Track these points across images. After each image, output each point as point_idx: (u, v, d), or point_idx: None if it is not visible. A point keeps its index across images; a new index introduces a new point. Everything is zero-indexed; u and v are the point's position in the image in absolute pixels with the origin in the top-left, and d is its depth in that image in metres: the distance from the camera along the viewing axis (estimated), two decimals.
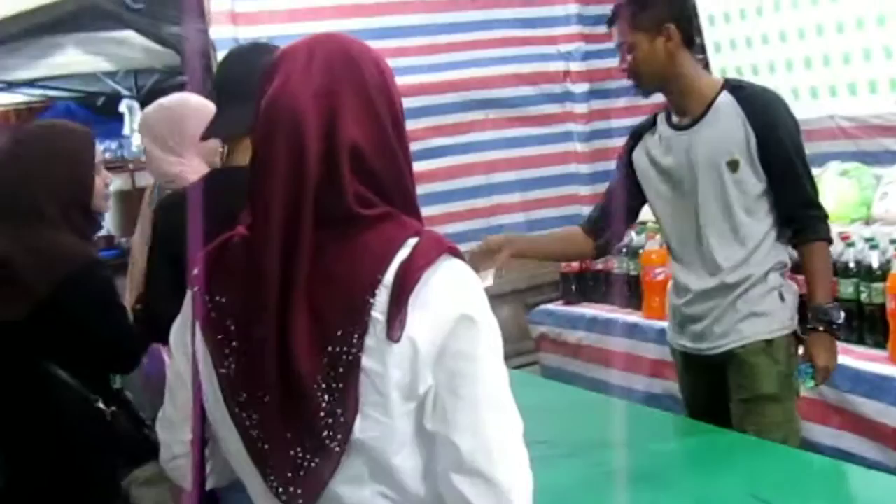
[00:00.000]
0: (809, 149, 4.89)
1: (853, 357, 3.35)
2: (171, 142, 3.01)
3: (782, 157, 2.66)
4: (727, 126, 2.66)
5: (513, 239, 2.91)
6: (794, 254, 2.81)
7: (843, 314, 2.71)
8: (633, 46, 2.70)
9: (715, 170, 2.68)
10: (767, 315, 2.71)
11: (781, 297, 2.74)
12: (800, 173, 2.69)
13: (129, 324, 2.57)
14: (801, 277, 3.51)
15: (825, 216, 2.73)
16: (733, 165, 2.65)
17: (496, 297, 5.72)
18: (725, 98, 2.68)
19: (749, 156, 2.65)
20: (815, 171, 4.47)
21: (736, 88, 2.70)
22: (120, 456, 2.54)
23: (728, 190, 2.68)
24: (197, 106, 2.98)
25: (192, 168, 2.89)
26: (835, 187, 4.33)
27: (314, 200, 1.28)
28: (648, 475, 2.46)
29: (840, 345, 3.38)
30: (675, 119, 2.79)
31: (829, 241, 2.75)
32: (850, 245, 3.50)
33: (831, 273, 2.79)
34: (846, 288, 3.47)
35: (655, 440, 2.77)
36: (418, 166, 5.15)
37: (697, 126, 2.71)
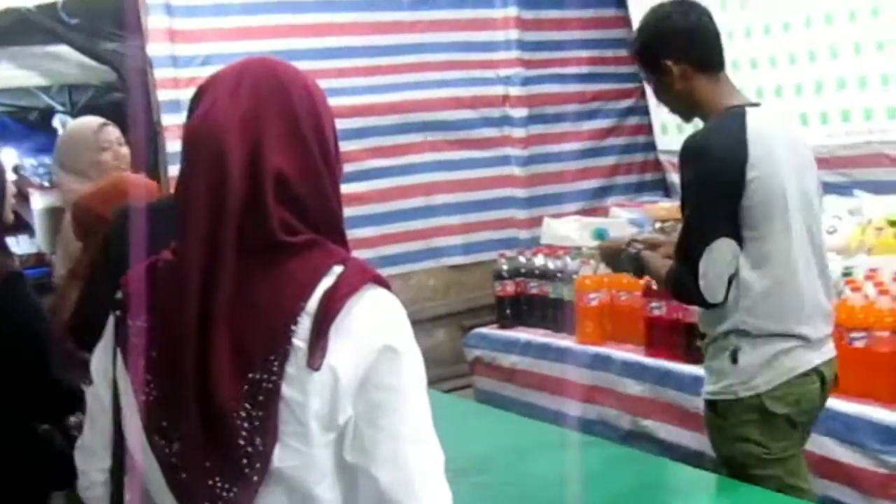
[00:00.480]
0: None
1: None
2: (67, 162, 3.14)
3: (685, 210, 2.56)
4: None
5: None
6: None
7: (627, 268, 2.84)
8: (647, 81, 2.77)
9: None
10: (714, 374, 2.59)
11: (734, 359, 2.52)
12: (684, 231, 2.53)
13: (50, 343, 2.51)
14: None
15: (683, 278, 2.48)
16: (682, 208, 2.63)
17: (432, 320, 5.74)
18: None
19: None
20: None
21: (711, 118, 2.59)
22: (49, 476, 2.48)
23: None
24: (93, 128, 3.13)
25: (88, 188, 2.93)
26: None
27: (237, 227, 1.27)
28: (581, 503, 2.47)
29: None
30: None
31: (673, 287, 2.59)
32: None
33: (659, 279, 2.71)
34: None
35: (595, 470, 2.78)
36: (356, 188, 5.16)
37: None
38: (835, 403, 3.12)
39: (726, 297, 2.48)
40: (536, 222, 5.64)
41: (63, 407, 2.49)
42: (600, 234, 2.95)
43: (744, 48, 5.06)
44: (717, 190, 2.44)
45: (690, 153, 2.50)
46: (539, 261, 4.71)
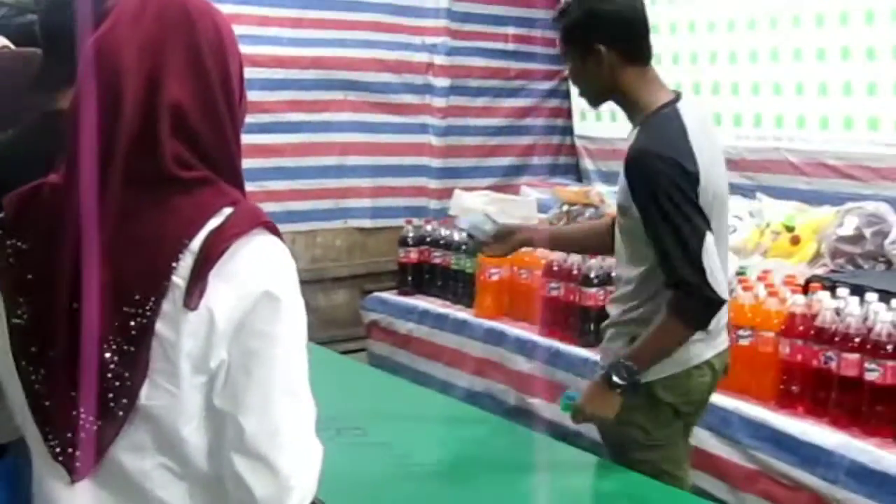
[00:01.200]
0: None
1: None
2: None
3: (644, 223, 2.40)
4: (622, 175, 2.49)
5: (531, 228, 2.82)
6: None
7: (624, 380, 2.41)
8: (567, 61, 2.63)
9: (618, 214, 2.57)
10: (611, 356, 2.54)
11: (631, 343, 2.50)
12: (660, 242, 2.37)
13: None
14: None
15: (691, 290, 2.35)
16: (622, 210, 2.51)
17: (333, 280, 5.72)
18: (634, 133, 2.49)
19: (631, 206, 2.44)
20: None
21: (641, 127, 2.47)
22: None
23: (623, 234, 2.53)
24: None
25: None
26: None
27: (126, 157, 1.24)
28: (457, 471, 2.50)
29: None
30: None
31: (685, 317, 2.40)
32: None
33: (662, 347, 2.44)
34: None
35: (469, 438, 2.82)
36: (271, 139, 5.12)
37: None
38: (714, 398, 3.21)
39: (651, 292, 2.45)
40: (447, 193, 5.66)
41: None
42: (569, 399, 2.68)
43: (668, 43, 5.13)
44: (685, 191, 2.35)
45: (648, 160, 2.38)
46: (445, 231, 4.73)
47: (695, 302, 2.37)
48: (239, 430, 1.23)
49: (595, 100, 2.61)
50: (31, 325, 1.27)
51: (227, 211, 1.26)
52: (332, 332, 5.08)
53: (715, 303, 2.37)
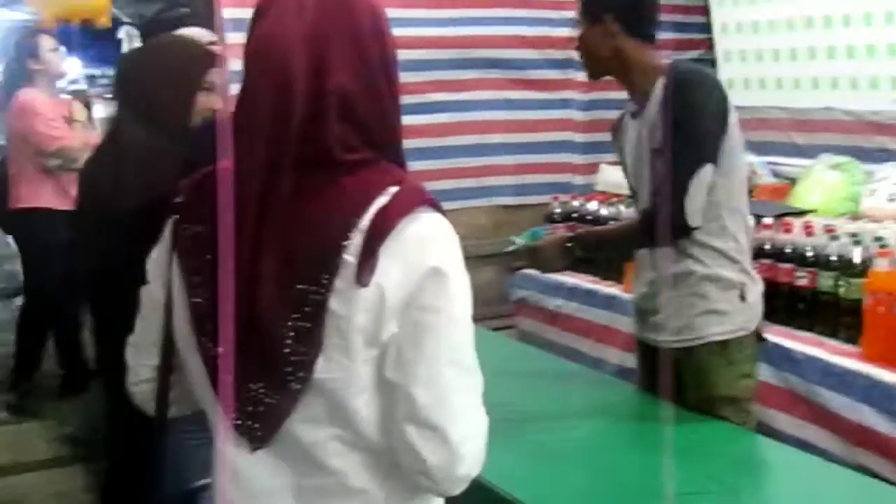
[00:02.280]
0: (805, 139, 4.97)
1: (825, 350, 3.36)
2: None
3: (674, 139, 2.51)
4: (655, 112, 2.60)
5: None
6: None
7: (578, 252, 2.76)
8: (579, 25, 2.75)
9: (650, 161, 2.64)
10: (724, 314, 2.64)
11: (742, 296, 2.65)
12: (673, 154, 2.48)
13: None
14: (784, 267, 3.58)
15: (664, 211, 2.51)
16: (657, 153, 2.59)
17: (479, 259, 5.75)
18: (660, 83, 2.61)
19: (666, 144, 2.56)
20: (806, 163, 4.57)
21: (672, 72, 2.61)
22: None
23: (658, 179, 2.60)
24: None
25: None
26: (824, 180, 4.34)
27: (297, 142, 1.28)
28: (608, 448, 2.49)
29: (813, 336, 3.46)
30: (631, 107, 2.77)
31: (645, 225, 2.64)
32: (834, 238, 3.50)
33: (616, 241, 2.86)
34: (825, 280, 3.48)
35: (620, 414, 2.81)
36: (413, 120, 5.13)
37: (642, 113, 2.67)
38: (876, 372, 3.11)
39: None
40: (593, 169, 5.60)
41: None
42: (535, 235, 2.89)
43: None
44: (718, 120, 2.54)
45: (700, 82, 2.57)
46: (592, 206, 4.70)
47: (661, 218, 2.52)
48: (410, 401, 1.27)
49: (597, 68, 2.78)
50: (209, 304, 1.33)
51: (393, 189, 1.29)
52: (480, 309, 5.06)
53: (676, 224, 2.51)
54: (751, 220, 2.82)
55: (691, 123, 2.49)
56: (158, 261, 1.46)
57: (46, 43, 4.94)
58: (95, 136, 5.19)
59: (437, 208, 1.33)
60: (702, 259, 2.63)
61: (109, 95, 7.99)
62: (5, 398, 5.01)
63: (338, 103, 1.30)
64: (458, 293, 1.30)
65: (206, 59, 2.43)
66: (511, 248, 2.91)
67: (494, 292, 5.46)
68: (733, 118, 2.58)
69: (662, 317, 2.72)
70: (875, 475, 2.79)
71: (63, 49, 5.24)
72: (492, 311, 5.25)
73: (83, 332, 5.15)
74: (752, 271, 2.72)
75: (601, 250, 2.75)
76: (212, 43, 2.90)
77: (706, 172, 2.51)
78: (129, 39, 7.50)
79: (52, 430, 4.58)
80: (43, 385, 5.16)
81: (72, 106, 5.06)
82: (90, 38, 7.77)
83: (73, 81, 9.45)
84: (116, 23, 7.59)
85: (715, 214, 2.58)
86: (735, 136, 2.59)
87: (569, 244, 2.74)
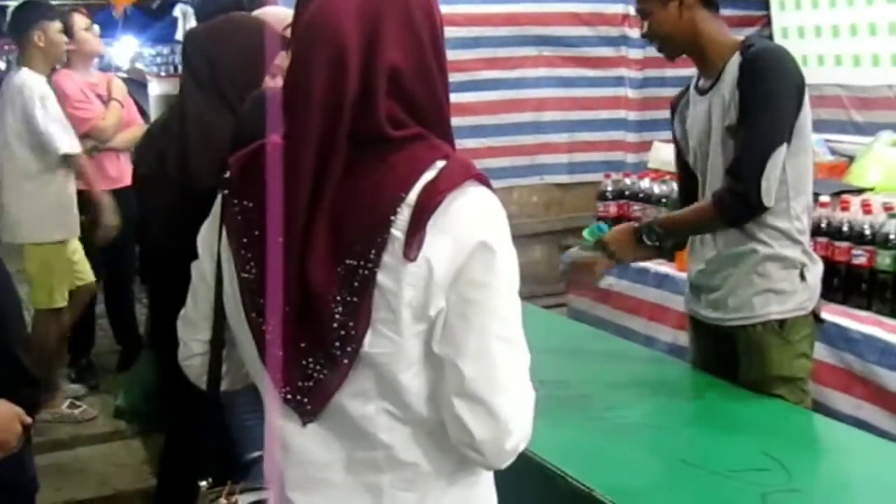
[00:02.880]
0: (864, 117, 4.88)
1: (883, 329, 3.31)
2: None
3: (742, 113, 2.52)
4: (730, 89, 2.56)
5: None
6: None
7: (651, 240, 2.65)
8: (647, 12, 2.68)
9: (720, 137, 2.60)
10: (784, 293, 2.63)
11: (802, 276, 2.63)
12: (746, 130, 2.50)
13: None
14: (841, 245, 3.52)
15: (736, 189, 2.50)
16: (730, 131, 2.56)
17: (531, 237, 5.75)
18: (735, 59, 2.57)
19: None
20: (865, 140, 4.48)
21: (747, 48, 2.57)
22: None
23: (729, 159, 2.57)
24: None
25: None
26: (883, 157, 4.26)
27: (349, 118, 1.29)
28: (660, 424, 2.48)
29: (871, 316, 3.40)
30: (700, 82, 2.73)
31: (721, 207, 2.55)
32: (893, 216, 3.44)
33: (691, 225, 2.71)
34: (883, 259, 3.42)
35: (673, 391, 2.79)
36: (466, 98, 5.16)
37: (713, 89, 2.63)
38: None
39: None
40: (645, 147, 5.55)
41: None
42: (599, 230, 2.83)
43: None
44: (795, 99, 2.52)
45: (778, 60, 2.54)
46: (645, 184, 4.65)
47: (731, 195, 2.51)
48: (458, 375, 1.27)
49: (675, 48, 2.72)
50: (259, 279, 1.34)
51: (440, 164, 1.30)
52: (531, 287, 5.09)
53: (752, 205, 2.49)
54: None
55: (770, 102, 2.48)
56: (208, 236, 1.48)
57: (80, 22, 4.96)
58: (134, 114, 5.25)
59: (485, 182, 1.33)
60: (764, 239, 2.61)
61: (164, 73, 8.09)
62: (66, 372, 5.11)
63: (388, 80, 1.30)
64: (505, 268, 1.30)
65: (277, 42, 2.45)
66: (582, 246, 2.83)
67: (546, 270, 5.45)
68: (807, 97, 2.55)
69: (721, 294, 2.70)
70: None
71: (96, 27, 5.26)
72: (543, 289, 5.24)
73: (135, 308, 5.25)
74: (812, 251, 2.70)
75: (672, 236, 2.67)
76: (287, 26, 2.90)
77: (781, 152, 2.48)
78: (185, 18, 7.56)
79: (110, 405, 4.68)
80: (101, 362, 5.27)
81: (111, 84, 5.09)
82: (146, 17, 7.85)
83: (134, 60, 9.55)
84: (172, 1, 7.65)
85: (781, 195, 2.55)
86: (807, 116, 2.56)
87: (639, 233, 2.68)
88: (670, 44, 2.70)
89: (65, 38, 4.59)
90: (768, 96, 2.48)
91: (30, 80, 4.41)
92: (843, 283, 3.55)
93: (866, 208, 3.54)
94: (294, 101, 1.33)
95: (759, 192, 2.47)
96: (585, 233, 2.86)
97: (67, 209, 4.52)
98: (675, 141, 2.92)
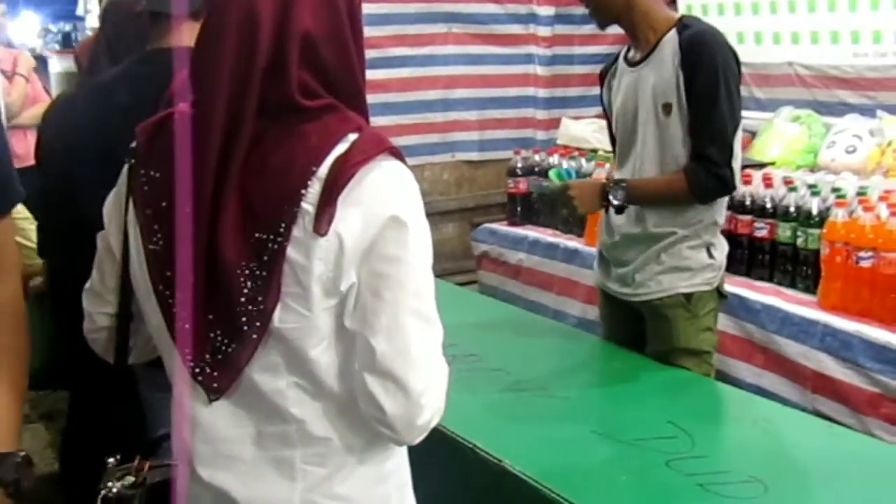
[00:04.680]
0: (765, 93, 5.00)
1: (783, 299, 3.41)
2: None
3: (697, 100, 2.55)
4: (666, 67, 2.58)
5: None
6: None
7: (616, 199, 2.63)
8: None
9: (653, 112, 2.63)
10: (690, 270, 2.69)
11: (710, 254, 2.70)
12: (709, 117, 2.54)
13: None
14: (744, 218, 3.61)
15: (714, 172, 2.55)
16: (667, 109, 2.59)
17: (443, 214, 5.76)
18: (671, 37, 2.59)
19: (679, 100, 2.57)
20: (766, 116, 4.60)
21: (683, 28, 2.59)
22: None
23: (662, 135, 2.62)
24: None
25: None
26: (784, 132, 4.38)
27: (259, 87, 1.26)
28: (570, 396, 2.51)
29: (771, 286, 3.50)
30: (630, 54, 2.74)
31: (695, 186, 2.58)
32: (793, 190, 3.54)
33: (660, 196, 2.66)
34: (784, 231, 3.52)
35: (582, 364, 2.84)
36: (376, 74, 5.12)
37: (644, 63, 2.65)
38: (833, 321, 3.17)
39: None
40: (554, 124, 5.60)
41: None
42: (567, 174, 2.89)
43: None
44: (737, 78, 2.59)
45: (716, 42, 2.57)
46: (554, 160, 4.69)
47: (712, 178, 2.57)
48: (370, 351, 1.26)
49: (607, 16, 2.72)
50: (166, 251, 1.31)
51: (353, 137, 1.28)
52: (443, 265, 5.13)
53: (727, 185, 2.59)
54: None
55: (727, 88, 2.54)
56: (114, 207, 1.44)
57: None
58: (40, 90, 5.10)
59: (398, 156, 1.32)
60: (692, 222, 2.67)
61: (64, 49, 7.86)
62: None
63: (302, 47, 1.28)
64: (418, 242, 1.29)
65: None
66: (545, 186, 2.89)
67: (457, 247, 5.48)
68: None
69: (630, 269, 2.75)
70: (831, 421, 2.84)
71: (2, 6, 5.13)
72: (455, 266, 5.27)
73: None
74: (718, 228, 2.75)
75: (638, 200, 2.67)
76: None
77: (739, 135, 2.60)
78: None
79: None
80: None
81: (18, 59, 4.95)
82: None
83: (42, 36, 9.25)
84: None
85: None
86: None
87: (606, 191, 2.67)
88: (603, 11, 2.70)
89: None
90: (724, 82, 2.53)
91: None
92: (746, 256, 3.64)
93: (767, 182, 3.64)
94: (203, 68, 1.30)
95: (732, 173, 2.56)
96: (552, 173, 2.97)
97: None
98: (605, 112, 2.93)
